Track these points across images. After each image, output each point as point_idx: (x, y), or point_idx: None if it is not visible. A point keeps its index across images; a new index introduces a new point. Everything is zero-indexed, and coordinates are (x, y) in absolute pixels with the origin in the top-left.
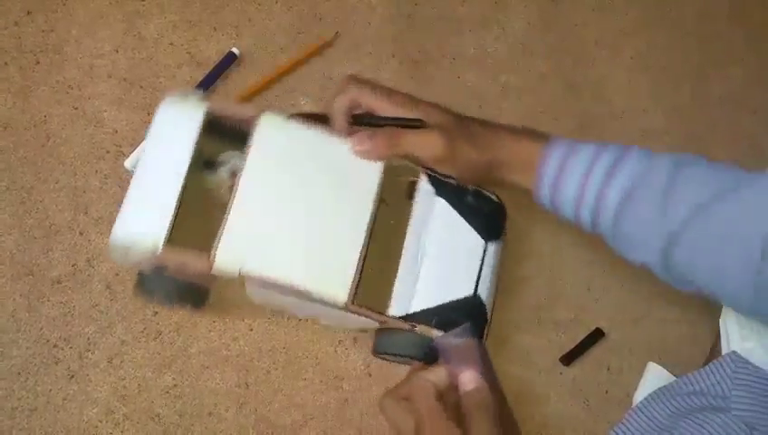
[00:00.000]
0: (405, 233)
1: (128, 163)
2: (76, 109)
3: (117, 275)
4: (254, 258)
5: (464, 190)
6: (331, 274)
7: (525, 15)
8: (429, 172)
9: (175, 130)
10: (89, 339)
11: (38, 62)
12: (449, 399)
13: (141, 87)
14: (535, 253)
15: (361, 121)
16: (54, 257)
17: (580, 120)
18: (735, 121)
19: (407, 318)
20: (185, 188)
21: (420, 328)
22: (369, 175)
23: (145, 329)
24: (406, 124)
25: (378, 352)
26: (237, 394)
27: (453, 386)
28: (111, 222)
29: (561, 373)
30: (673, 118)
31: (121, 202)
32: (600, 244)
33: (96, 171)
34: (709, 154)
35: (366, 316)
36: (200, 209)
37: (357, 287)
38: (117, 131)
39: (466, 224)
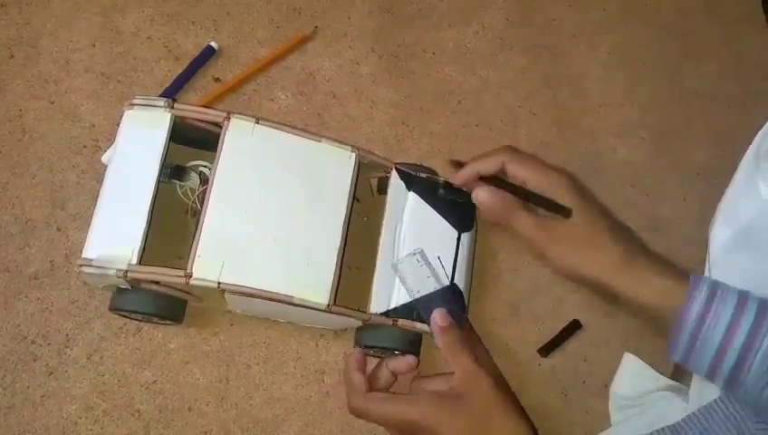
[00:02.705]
0: (380, 229)
1: (105, 158)
2: (52, 103)
3: None
4: (231, 268)
5: (435, 184)
6: (311, 277)
7: (504, 11)
8: (399, 167)
9: (141, 141)
10: (67, 335)
11: (12, 56)
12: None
13: (119, 81)
14: (513, 246)
15: (502, 183)
16: (31, 253)
17: (557, 114)
18: (711, 116)
19: (388, 314)
20: (155, 200)
21: (402, 322)
22: (341, 175)
23: (124, 325)
24: (549, 206)
25: (360, 345)
26: (218, 389)
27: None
28: (89, 217)
29: (539, 365)
30: (649, 112)
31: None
32: None
33: (73, 166)
34: (685, 148)
35: (348, 316)
36: (172, 219)
37: (337, 288)
38: (94, 126)
39: (439, 216)
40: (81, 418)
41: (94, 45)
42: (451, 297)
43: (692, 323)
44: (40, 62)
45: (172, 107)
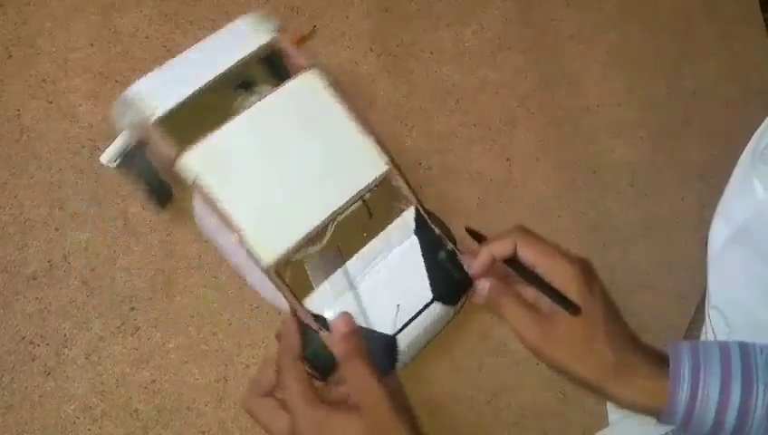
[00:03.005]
0: (365, 246)
1: (103, 158)
2: (50, 103)
3: (93, 270)
4: (215, 175)
5: (442, 245)
6: (272, 232)
7: (502, 11)
8: (420, 208)
9: (235, 39)
10: (65, 335)
11: (10, 56)
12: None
13: (117, 81)
14: None
15: (515, 268)
16: (30, 253)
17: (555, 113)
18: (709, 115)
19: (318, 318)
20: (207, 90)
21: (325, 335)
22: (361, 174)
23: (122, 324)
24: (557, 299)
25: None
26: (216, 389)
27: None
28: (88, 217)
29: (537, 364)
30: (647, 111)
31: (98, 195)
32: (578, 236)
33: (71, 166)
34: (683, 147)
35: (281, 292)
36: (210, 117)
37: (288, 259)
38: (92, 126)
39: (425, 273)
40: (79, 418)
41: (92, 45)
42: (384, 346)
43: (681, 416)
44: (38, 62)
45: (276, 33)
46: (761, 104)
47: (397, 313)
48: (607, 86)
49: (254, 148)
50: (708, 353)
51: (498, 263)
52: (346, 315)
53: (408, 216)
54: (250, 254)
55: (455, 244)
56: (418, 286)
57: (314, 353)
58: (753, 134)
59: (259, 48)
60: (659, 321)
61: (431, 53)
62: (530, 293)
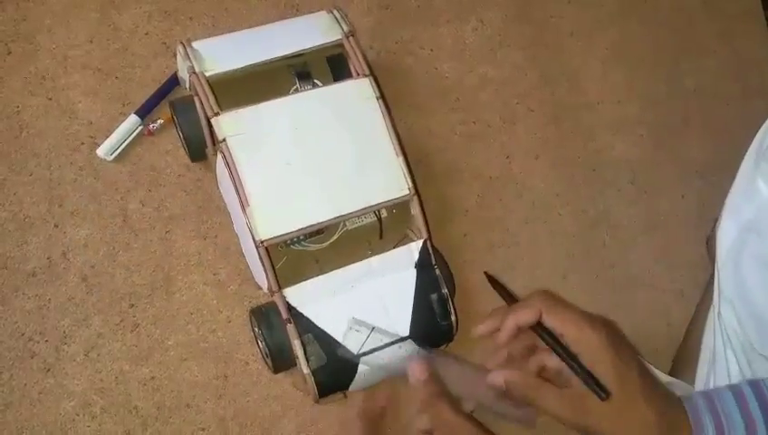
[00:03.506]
0: (360, 262)
1: (100, 151)
2: (50, 100)
3: (92, 267)
4: (241, 142)
5: (437, 288)
6: (277, 212)
7: (502, 8)
8: (429, 244)
9: (306, 31)
10: (65, 332)
11: (10, 52)
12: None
13: (116, 78)
14: (512, 243)
15: (542, 336)
16: (29, 250)
17: (555, 111)
18: (709, 112)
19: (291, 310)
20: (268, 69)
21: (291, 329)
22: (383, 189)
23: (122, 321)
24: (587, 382)
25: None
26: (216, 386)
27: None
28: (87, 214)
29: None
30: (647, 109)
31: (97, 192)
32: (578, 234)
33: (71, 163)
34: (683, 145)
35: (265, 270)
36: (264, 94)
37: (285, 244)
38: (92, 123)
39: (411, 309)
40: (78, 415)
41: (92, 42)
42: (344, 364)
43: None
44: (37, 59)
45: (347, 37)
46: (761, 102)
47: (368, 335)
48: (607, 83)
49: (288, 131)
50: (726, 406)
51: (523, 331)
52: (420, 363)
53: (415, 248)
54: (248, 226)
55: (453, 290)
56: (399, 319)
57: (274, 345)
58: (754, 132)
59: (324, 45)
60: (659, 319)
61: (431, 50)
62: (554, 359)
